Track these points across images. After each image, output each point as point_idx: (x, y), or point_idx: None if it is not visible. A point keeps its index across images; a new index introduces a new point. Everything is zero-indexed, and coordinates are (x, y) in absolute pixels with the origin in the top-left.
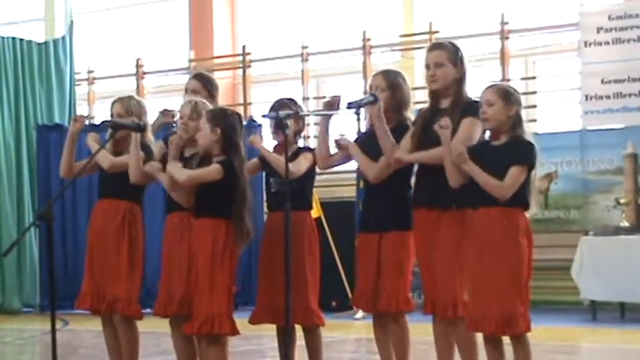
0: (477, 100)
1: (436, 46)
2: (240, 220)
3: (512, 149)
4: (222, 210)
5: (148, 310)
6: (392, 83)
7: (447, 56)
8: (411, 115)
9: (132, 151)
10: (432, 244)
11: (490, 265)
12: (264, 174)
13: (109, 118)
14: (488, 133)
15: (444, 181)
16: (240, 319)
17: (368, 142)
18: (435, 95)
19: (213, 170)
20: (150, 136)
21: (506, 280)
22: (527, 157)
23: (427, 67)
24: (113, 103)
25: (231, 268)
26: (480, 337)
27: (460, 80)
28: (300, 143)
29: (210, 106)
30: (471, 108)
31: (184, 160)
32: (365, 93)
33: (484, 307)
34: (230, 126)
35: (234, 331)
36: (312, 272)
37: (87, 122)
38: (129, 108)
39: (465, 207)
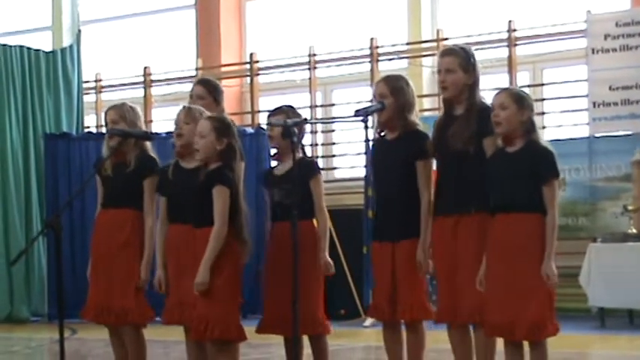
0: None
1: (448, 52)
2: (240, 228)
3: (533, 160)
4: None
5: (157, 319)
6: (394, 88)
7: (458, 62)
8: (417, 118)
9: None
10: (453, 251)
11: (512, 272)
12: (264, 184)
13: (116, 128)
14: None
15: (459, 187)
16: (249, 327)
17: (376, 150)
18: (448, 102)
19: (225, 197)
20: (149, 146)
21: (529, 286)
22: (556, 170)
23: (439, 72)
24: (107, 111)
25: (233, 276)
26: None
27: (472, 86)
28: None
29: (207, 113)
30: (487, 120)
31: (184, 172)
32: (372, 100)
33: (510, 312)
34: (234, 137)
35: (241, 337)
36: (315, 280)
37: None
38: (122, 114)
39: (482, 210)
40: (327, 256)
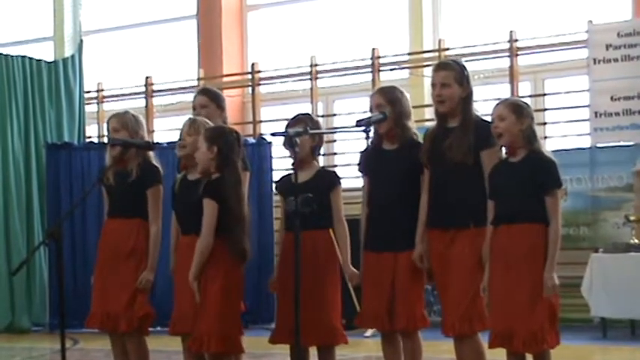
0: (486, 119)
1: (442, 66)
2: (234, 239)
3: (536, 170)
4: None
5: (159, 329)
6: (390, 98)
7: (453, 76)
8: (414, 127)
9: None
10: (448, 263)
11: (514, 282)
12: (273, 194)
13: (117, 136)
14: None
15: (458, 200)
16: (251, 337)
17: (374, 160)
18: (442, 115)
19: (213, 211)
20: (153, 156)
21: (530, 296)
22: (558, 180)
23: (433, 85)
24: (109, 120)
25: (230, 287)
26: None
27: (466, 99)
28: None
29: (211, 124)
30: (484, 133)
31: (187, 184)
32: (372, 111)
33: (510, 323)
34: (227, 144)
35: (239, 350)
36: (333, 290)
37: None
38: (124, 122)
39: (483, 226)
40: (352, 267)
